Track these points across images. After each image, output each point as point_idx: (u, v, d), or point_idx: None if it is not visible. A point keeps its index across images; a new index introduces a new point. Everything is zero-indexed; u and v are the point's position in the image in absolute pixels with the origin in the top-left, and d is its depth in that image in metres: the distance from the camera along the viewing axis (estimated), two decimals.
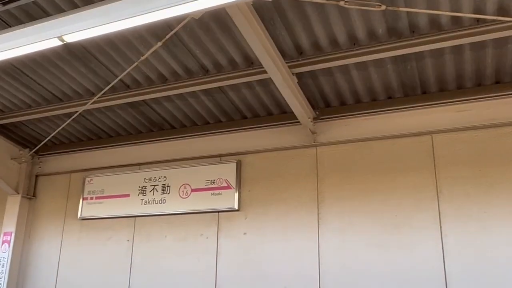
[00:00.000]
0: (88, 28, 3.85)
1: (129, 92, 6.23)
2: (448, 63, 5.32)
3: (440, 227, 5.48)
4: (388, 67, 5.45)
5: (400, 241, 5.61)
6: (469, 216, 5.42)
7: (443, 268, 5.36)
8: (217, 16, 4.85)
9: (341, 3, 4.30)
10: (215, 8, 3.70)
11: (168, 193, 6.98)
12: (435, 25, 4.77)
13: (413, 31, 4.86)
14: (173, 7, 3.57)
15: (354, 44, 5.07)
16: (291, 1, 4.58)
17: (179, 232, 6.84)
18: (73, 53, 5.58)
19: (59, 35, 3.92)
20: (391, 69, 5.48)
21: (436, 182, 5.64)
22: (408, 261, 5.52)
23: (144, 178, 7.21)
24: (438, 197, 5.59)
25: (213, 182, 6.71)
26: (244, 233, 6.44)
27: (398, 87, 5.82)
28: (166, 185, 7.04)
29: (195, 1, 3.51)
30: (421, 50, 4.94)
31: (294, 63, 5.34)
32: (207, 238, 6.64)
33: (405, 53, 5.01)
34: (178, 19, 4.42)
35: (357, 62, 5.28)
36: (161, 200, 7.00)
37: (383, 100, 6.07)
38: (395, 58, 5.28)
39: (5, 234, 7.80)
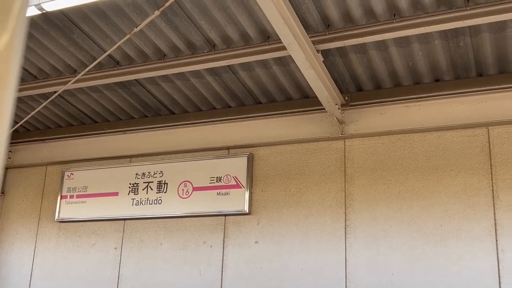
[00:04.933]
0: None
1: (119, 69, 6.25)
2: (510, 40, 5.28)
3: (496, 240, 5.48)
4: (435, 43, 5.43)
5: (447, 256, 5.62)
6: None
7: None
8: None
9: None
10: None
11: (165, 192, 7.03)
12: None
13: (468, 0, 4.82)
14: None
15: (395, 14, 5.05)
16: None
17: (177, 239, 6.90)
18: (51, 21, 5.58)
19: (37, 2, 3.96)
20: (439, 45, 5.45)
21: (492, 185, 5.62)
22: (455, 281, 5.53)
23: (136, 174, 7.27)
24: (494, 203, 5.58)
25: (219, 180, 6.76)
26: (256, 242, 6.49)
27: (448, 68, 5.80)
28: (163, 182, 7.08)
29: None
30: (477, 23, 4.89)
31: (319, 38, 5.32)
32: (211, 246, 6.69)
33: (457, 26, 4.97)
34: None
35: (398, 37, 5.26)
36: (156, 200, 7.05)
37: (429, 83, 6.06)
38: (444, 32, 5.25)
39: None
